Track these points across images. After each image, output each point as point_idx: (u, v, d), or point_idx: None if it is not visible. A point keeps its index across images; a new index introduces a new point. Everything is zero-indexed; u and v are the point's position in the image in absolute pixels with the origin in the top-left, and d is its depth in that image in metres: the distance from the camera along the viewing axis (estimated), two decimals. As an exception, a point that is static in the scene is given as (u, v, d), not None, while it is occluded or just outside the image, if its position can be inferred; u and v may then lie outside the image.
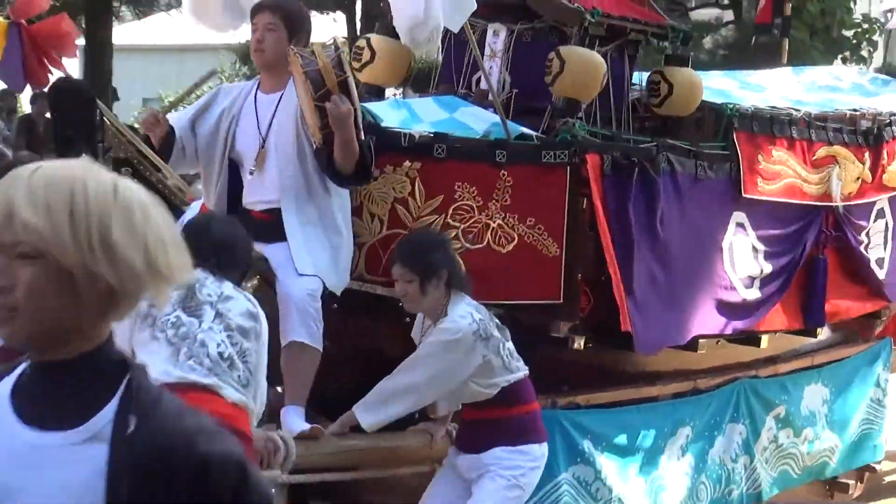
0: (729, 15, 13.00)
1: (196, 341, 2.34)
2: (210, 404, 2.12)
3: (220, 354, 2.35)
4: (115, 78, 10.56)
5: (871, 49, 11.98)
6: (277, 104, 2.94)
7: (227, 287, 2.48)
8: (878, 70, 9.61)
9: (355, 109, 2.80)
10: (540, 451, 3.05)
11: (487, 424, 3.06)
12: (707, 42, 12.56)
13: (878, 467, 4.90)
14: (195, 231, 2.45)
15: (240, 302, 2.47)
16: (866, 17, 11.75)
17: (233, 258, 2.52)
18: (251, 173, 2.96)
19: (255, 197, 2.98)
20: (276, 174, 2.91)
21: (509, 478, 2.98)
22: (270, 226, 2.90)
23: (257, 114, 2.96)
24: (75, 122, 2.58)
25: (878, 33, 11.58)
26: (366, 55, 3.51)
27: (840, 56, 11.32)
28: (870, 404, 4.70)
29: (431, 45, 3.23)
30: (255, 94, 3.01)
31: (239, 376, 2.39)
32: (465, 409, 3.08)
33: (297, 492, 2.97)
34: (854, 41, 11.66)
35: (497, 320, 3.03)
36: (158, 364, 2.24)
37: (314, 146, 2.84)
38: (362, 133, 2.86)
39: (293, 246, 2.93)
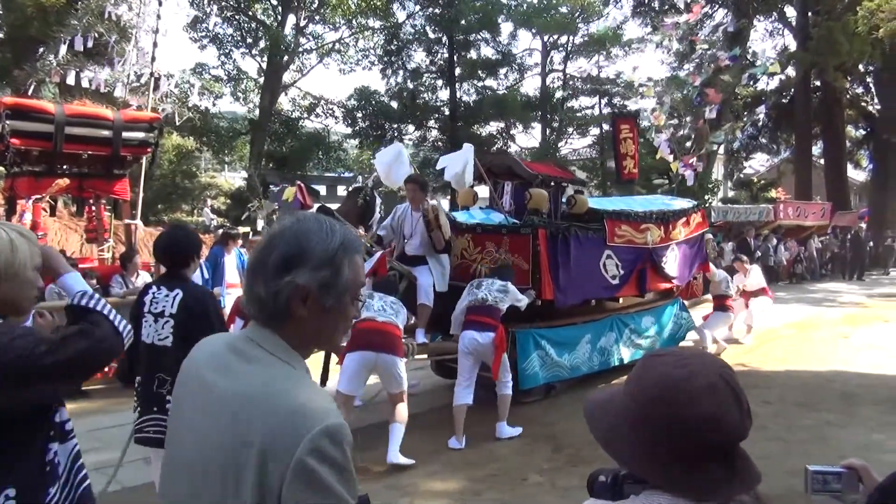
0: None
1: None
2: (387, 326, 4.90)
3: (383, 308, 4.97)
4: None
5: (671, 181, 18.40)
6: (417, 217, 5.92)
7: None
8: (670, 191, 15.07)
9: (441, 230, 5.75)
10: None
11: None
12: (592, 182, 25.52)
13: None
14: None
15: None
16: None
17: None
18: (407, 241, 6.00)
19: (411, 252, 6.01)
20: (418, 244, 5.95)
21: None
22: (418, 259, 5.94)
23: (412, 218, 6.01)
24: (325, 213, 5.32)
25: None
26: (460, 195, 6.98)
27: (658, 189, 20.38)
28: (673, 322, 7.90)
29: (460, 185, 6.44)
30: (410, 210, 5.99)
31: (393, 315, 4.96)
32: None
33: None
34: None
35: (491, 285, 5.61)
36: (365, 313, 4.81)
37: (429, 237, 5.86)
38: (446, 235, 5.86)
39: (426, 269, 5.85)
